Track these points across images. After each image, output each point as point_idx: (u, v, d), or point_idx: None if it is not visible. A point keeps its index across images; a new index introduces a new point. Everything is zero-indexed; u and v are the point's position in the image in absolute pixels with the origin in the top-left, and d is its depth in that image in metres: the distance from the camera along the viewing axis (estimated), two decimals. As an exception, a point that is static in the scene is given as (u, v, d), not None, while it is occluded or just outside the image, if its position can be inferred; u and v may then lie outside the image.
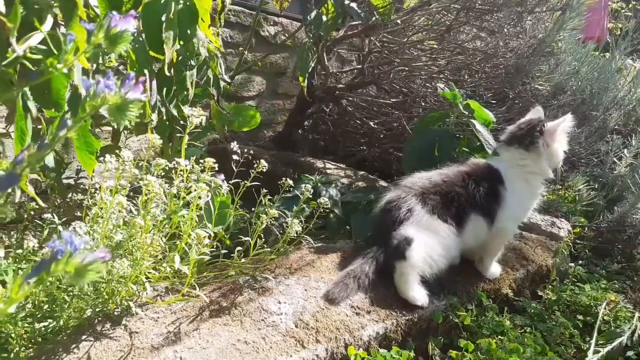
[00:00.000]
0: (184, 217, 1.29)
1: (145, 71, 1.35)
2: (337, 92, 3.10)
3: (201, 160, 1.36)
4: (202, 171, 1.36)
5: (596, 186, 2.89)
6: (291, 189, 1.70)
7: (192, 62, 1.55)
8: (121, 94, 0.67)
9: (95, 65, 1.21)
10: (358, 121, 3.31)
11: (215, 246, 1.67)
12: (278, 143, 3.68)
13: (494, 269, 1.91)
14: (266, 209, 1.48)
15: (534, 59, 2.57)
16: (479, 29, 3.00)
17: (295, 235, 1.58)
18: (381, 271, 1.74)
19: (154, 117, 1.42)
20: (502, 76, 2.90)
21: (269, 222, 1.56)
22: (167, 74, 1.37)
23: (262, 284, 1.55)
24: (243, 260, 1.61)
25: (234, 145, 1.94)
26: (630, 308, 2.11)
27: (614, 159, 2.78)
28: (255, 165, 1.57)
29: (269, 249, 1.56)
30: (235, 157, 1.83)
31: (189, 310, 1.40)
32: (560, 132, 1.82)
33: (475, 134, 2.01)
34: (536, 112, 1.91)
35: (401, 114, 3.02)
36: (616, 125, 2.94)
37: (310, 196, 1.64)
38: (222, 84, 1.92)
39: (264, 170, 1.57)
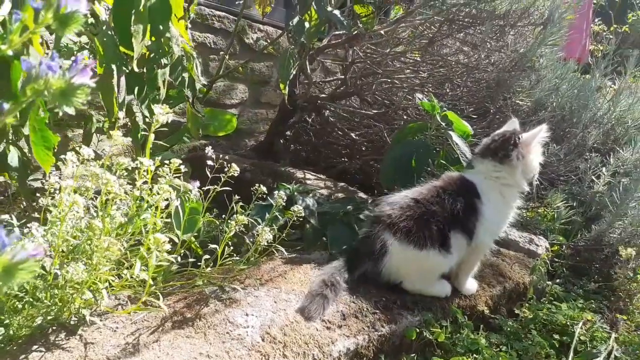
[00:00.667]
0: (146, 221, 1.23)
1: (113, 66, 1.29)
2: (319, 102, 3.07)
3: (167, 162, 1.30)
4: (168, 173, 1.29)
5: (574, 204, 2.88)
6: (265, 196, 1.64)
7: (165, 61, 1.49)
8: (67, 78, 0.61)
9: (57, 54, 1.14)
10: (340, 132, 3.28)
11: (183, 254, 1.61)
12: (259, 152, 3.62)
13: (470, 285, 1.87)
14: (236, 216, 1.42)
15: (515, 73, 2.56)
16: (462, 42, 3.00)
17: (267, 244, 1.52)
18: (355, 285, 1.70)
19: (121, 115, 1.35)
20: (483, 90, 2.90)
21: (238, 230, 1.50)
22: (136, 69, 1.31)
23: (230, 294, 1.48)
24: (211, 269, 1.54)
25: (209, 151, 1.88)
26: (606, 328, 2.08)
27: (592, 177, 2.78)
28: (226, 170, 1.50)
29: (237, 258, 1.50)
30: (209, 162, 1.78)
31: (151, 321, 1.32)
32: (536, 143, 1.78)
33: (452, 147, 1.98)
34: (511, 124, 1.88)
35: (382, 126, 3.00)
36: (595, 143, 2.95)
37: (285, 204, 1.58)
38: (198, 86, 1.86)
39: (236, 175, 1.51)
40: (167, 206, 1.50)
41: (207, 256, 1.47)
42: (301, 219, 2.03)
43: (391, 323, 1.58)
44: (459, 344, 1.67)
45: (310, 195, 2.10)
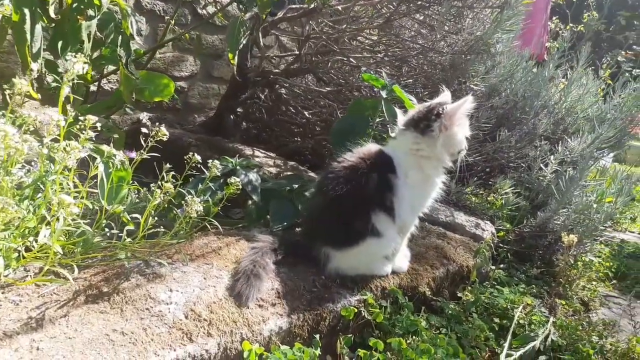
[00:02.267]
0: (55, 182, 1.10)
1: (26, 11, 1.15)
2: (271, 77, 2.95)
3: (81, 118, 1.17)
4: (82, 131, 1.16)
5: (523, 191, 2.91)
6: (203, 168, 1.53)
7: (91, 12, 1.35)
8: None
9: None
10: (293, 110, 3.18)
11: (108, 225, 1.48)
12: (209, 128, 3.47)
13: (401, 263, 1.83)
14: (161, 183, 1.31)
15: (471, 56, 2.53)
16: (420, 23, 2.95)
17: (199, 218, 1.42)
18: (294, 263, 1.62)
19: (35, 67, 1.21)
20: (439, 73, 2.86)
21: (169, 203, 1.39)
22: (53, 15, 1.17)
23: (154, 269, 1.37)
24: (139, 243, 1.42)
25: (144, 117, 1.76)
26: (545, 313, 2.10)
27: (541, 165, 2.80)
28: (153, 133, 1.39)
29: (162, 230, 1.39)
30: (144, 130, 1.65)
31: (61, 295, 1.21)
32: (461, 115, 1.66)
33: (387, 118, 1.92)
34: (444, 96, 1.76)
35: (336, 105, 2.92)
36: (545, 132, 2.97)
37: (224, 178, 1.48)
38: (134, 47, 1.71)
39: (165, 139, 1.39)
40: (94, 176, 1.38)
41: (130, 227, 1.35)
42: (245, 196, 1.95)
43: (328, 302, 1.52)
44: (398, 325, 1.63)
45: (255, 170, 2.00)
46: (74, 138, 1.18)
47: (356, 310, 1.54)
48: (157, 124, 1.73)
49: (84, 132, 1.16)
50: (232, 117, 3.37)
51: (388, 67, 3.10)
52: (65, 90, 1.13)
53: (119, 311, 1.19)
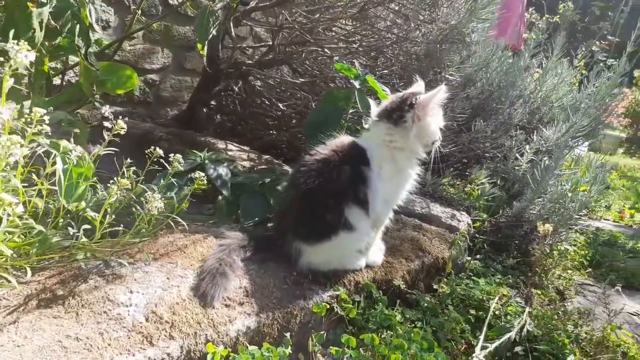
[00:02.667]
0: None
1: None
2: (244, 68, 2.88)
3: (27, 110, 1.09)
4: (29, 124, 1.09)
5: (499, 181, 2.90)
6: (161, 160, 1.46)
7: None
8: None
9: None
10: (267, 102, 3.11)
11: (67, 224, 1.41)
12: (181, 122, 3.39)
13: (375, 257, 1.80)
14: (118, 179, 1.24)
15: (446, 46, 2.50)
16: (395, 13, 2.90)
17: (163, 215, 1.36)
18: (264, 259, 1.58)
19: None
20: (414, 64, 2.82)
21: (124, 198, 1.32)
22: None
23: (114, 270, 1.31)
24: (99, 243, 1.36)
25: (106, 110, 1.68)
26: (521, 303, 2.09)
27: (517, 155, 2.79)
28: (112, 127, 1.32)
29: (120, 229, 1.32)
30: (107, 124, 1.57)
31: (11, 300, 1.14)
32: (434, 105, 1.62)
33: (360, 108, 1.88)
34: (418, 87, 1.73)
35: (311, 97, 2.86)
36: (521, 121, 2.97)
37: (182, 169, 1.42)
38: (94, 37, 1.63)
39: (123, 133, 1.33)
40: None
41: (88, 226, 1.28)
42: (215, 191, 1.89)
43: (300, 299, 1.47)
44: (371, 320, 1.60)
45: (225, 164, 1.94)
46: (21, 133, 1.11)
47: (328, 306, 1.50)
48: (121, 117, 1.65)
49: (30, 126, 1.08)
50: (204, 110, 3.29)
51: (364, 58, 3.06)
52: (9, 82, 1.05)
53: (74, 315, 1.13)
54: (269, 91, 3.14)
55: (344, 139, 1.72)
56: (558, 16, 9.14)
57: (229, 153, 2.69)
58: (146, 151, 1.42)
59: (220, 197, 1.88)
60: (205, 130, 3.21)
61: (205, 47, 2.39)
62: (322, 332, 1.48)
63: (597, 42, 6.55)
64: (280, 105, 3.05)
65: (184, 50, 3.85)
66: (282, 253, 1.59)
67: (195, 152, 1.92)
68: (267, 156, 2.80)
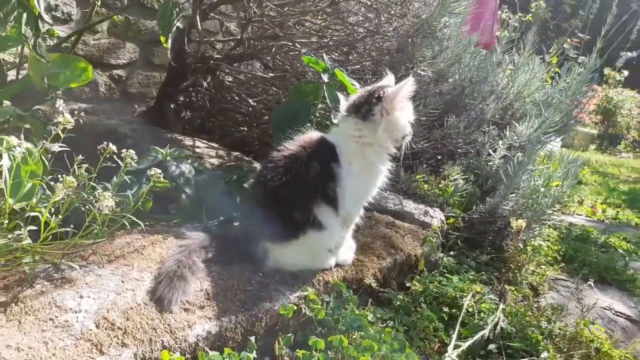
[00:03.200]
0: None
1: None
2: (211, 63, 2.79)
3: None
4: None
5: (472, 177, 2.88)
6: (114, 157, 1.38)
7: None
8: None
9: None
10: (237, 98, 3.03)
11: (16, 226, 1.32)
12: (149, 119, 3.27)
13: (346, 255, 1.74)
14: (64, 177, 1.16)
15: (417, 40, 2.46)
16: (366, 8, 2.85)
17: (114, 214, 1.27)
18: (229, 260, 1.50)
19: None
20: (386, 59, 2.78)
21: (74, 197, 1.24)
22: None
23: (64, 274, 1.23)
24: (49, 245, 1.27)
25: (60, 104, 1.58)
26: (495, 300, 2.06)
27: (490, 150, 2.77)
28: (58, 122, 1.23)
29: (69, 229, 1.24)
30: (60, 119, 1.47)
31: (-55, 308, 1.04)
32: (402, 98, 1.57)
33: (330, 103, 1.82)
34: (387, 80, 1.68)
35: (281, 92, 2.79)
36: (494, 117, 2.95)
37: (135, 165, 1.34)
38: (45, 27, 1.53)
39: (70, 128, 1.24)
40: None
41: (33, 227, 1.19)
42: (179, 189, 1.81)
43: (265, 301, 1.41)
44: (341, 321, 1.54)
45: (189, 161, 1.86)
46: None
47: (296, 307, 1.44)
48: (84, 113, 1.55)
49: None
50: (172, 106, 3.19)
51: (337, 53, 3.01)
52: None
53: (16, 323, 1.04)
54: (238, 86, 3.05)
55: (313, 135, 1.66)
56: (530, 15, 9.25)
57: (197, 150, 2.60)
58: (98, 147, 1.33)
59: (183, 196, 1.80)
60: (174, 127, 3.11)
61: (169, 41, 2.30)
62: (289, 335, 1.42)
63: (568, 40, 6.62)
64: (250, 100, 2.97)
65: (151, 44, 3.73)
66: (248, 253, 1.52)
67: (157, 148, 1.83)
68: (237, 153, 2.72)
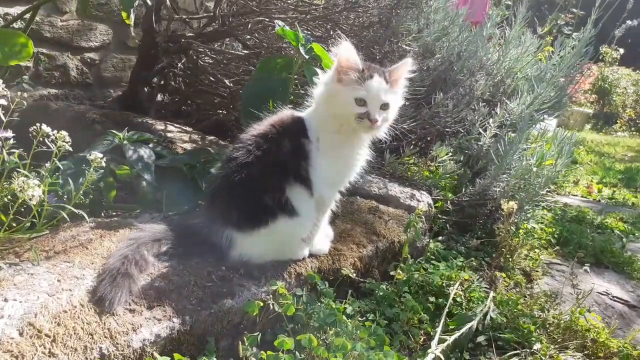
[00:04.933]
0: None
1: None
2: (183, 41, 2.62)
3: None
4: None
5: (462, 158, 2.73)
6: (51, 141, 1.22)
7: None
8: None
9: None
10: (212, 78, 2.86)
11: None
12: (122, 103, 3.11)
13: (320, 245, 1.60)
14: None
15: (400, 11, 2.29)
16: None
17: (38, 204, 1.12)
18: (186, 254, 1.36)
19: None
20: (370, 34, 2.61)
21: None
22: None
23: (-10, 273, 1.08)
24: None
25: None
26: (485, 287, 1.93)
27: (480, 129, 2.62)
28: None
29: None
30: (2, 101, 1.32)
31: None
32: (342, 66, 1.38)
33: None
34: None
35: (258, 71, 2.62)
36: (484, 94, 2.79)
37: (71, 149, 1.18)
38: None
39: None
40: None
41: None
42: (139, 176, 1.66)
43: (227, 297, 1.27)
44: (314, 317, 1.40)
45: (150, 145, 1.71)
46: None
47: (262, 303, 1.30)
48: (46, 98, 1.40)
49: None
50: (146, 89, 3.02)
51: (321, 30, 2.84)
52: None
53: None
54: (214, 67, 2.88)
55: (284, 112, 1.52)
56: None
57: (169, 134, 2.44)
58: (30, 130, 1.17)
59: (144, 183, 1.65)
60: (149, 112, 2.95)
61: (132, 16, 2.14)
62: (256, 334, 1.28)
63: (561, 15, 6.44)
64: (226, 81, 2.80)
65: (126, 26, 3.53)
66: (210, 244, 1.38)
67: (114, 132, 1.67)
68: (212, 137, 2.57)
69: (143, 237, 1.26)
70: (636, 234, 3.18)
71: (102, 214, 1.79)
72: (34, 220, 1.18)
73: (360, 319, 1.53)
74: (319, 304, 1.47)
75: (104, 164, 1.22)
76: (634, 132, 10.86)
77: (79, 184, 1.34)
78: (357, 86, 1.36)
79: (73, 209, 1.17)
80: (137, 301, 1.13)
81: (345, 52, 1.38)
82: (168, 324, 1.11)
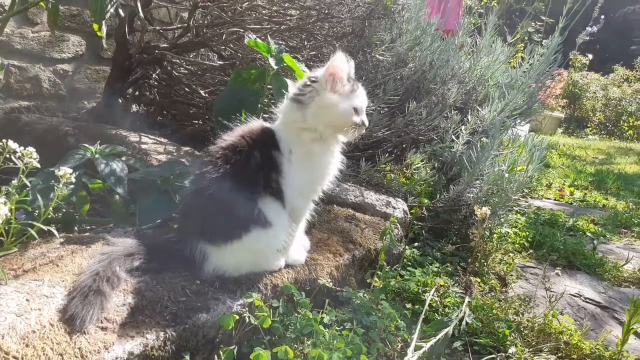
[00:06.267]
0: None
1: None
2: (157, 52, 2.60)
3: None
4: None
5: (436, 165, 2.77)
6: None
7: None
8: None
9: None
10: (187, 89, 2.85)
11: None
12: (97, 115, 3.07)
13: (297, 255, 1.61)
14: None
15: (373, 21, 2.32)
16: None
17: (5, 222, 1.11)
18: (159, 268, 1.35)
19: None
20: (344, 44, 2.64)
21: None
22: None
23: (-46, 295, 1.05)
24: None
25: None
26: (461, 293, 1.96)
27: (453, 136, 2.67)
28: None
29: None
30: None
31: None
32: (337, 79, 1.40)
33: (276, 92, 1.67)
34: (339, 60, 1.53)
35: (233, 81, 2.62)
36: (458, 102, 2.84)
37: (39, 165, 1.17)
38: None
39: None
40: None
41: None
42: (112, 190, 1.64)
43: (202, 312, 1.26)
44: (291, 328, 1.40)
45: (123, 158, 1.69)
46: None
47: (238, 317, 1.30)
48: (17, 110, 1.37)
49: None
50: (120, 101, 2.99)
51: (296, 40, 2.85)
52: None
53: None
54: (189, 77, 2.87)
55: (254, 124, 1.53)
56: (495, 0, 9.23)
57: (143, 146, 2.42)
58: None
59: (117, 197, 1.63)
60: (123, 123, 2.91)
61: (104, 28, 2.13)
62: (232, 347, 1.28)
63: (532, 23, 6.60)
64: (202, 92, 2.79)
65: (99, 37, 3.50)
66: (184, 258, 1.37)
67: (86, 146, 1.65)
68: (188, 148, 2.55)
69: (115, 253, 1.25)
70: (607, 236, 3.27)
71: (76, 228, 1.77)
72: (1, 238, 1.16)
73: (337, 328, 1.54)
74: (296, 314, 1.47)
75: (73, 180, 1.21)
76: (604, 135, 11.16)
77: (49, 199, 1.32)
78: (352, 95, 1.43)
79: (42, 225, 1.15)
80: (110, 318, 1.11)
81: (340, 63, 1.40)
82: (141, 341, 1.10)
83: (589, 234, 3.20)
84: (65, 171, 1.18)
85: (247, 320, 1.33)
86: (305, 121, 1.43)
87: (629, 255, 2.77)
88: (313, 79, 1.43)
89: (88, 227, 1.79)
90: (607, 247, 3.06)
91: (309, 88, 1.42)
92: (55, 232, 1.20)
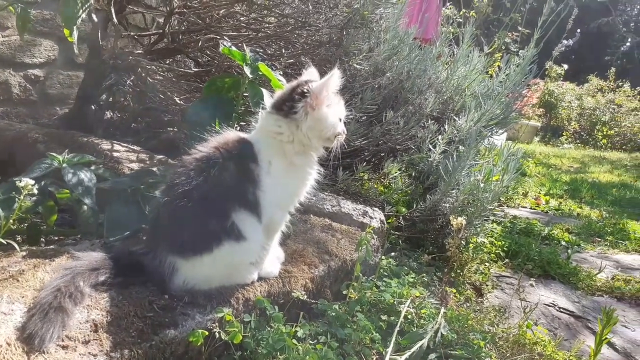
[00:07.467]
0: None
1: None
2: (131, 58, 2.56)
3: None
4: None
5: (414, 174, 2.78)
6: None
7: None
8: None
9: None
10: (162, 96, 2.81)
11: None
12: (68, 122, 3.00)
13: (270, 267, 1.58)
14: None
15: (350, 31, 2.32)
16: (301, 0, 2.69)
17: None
18: (126, 283, 1.31)
19: None
20: (322, 53, 2.63)
21: None
22: None
23: None
24: None
25: None
26: (436, 304, 1.95)
27: (430, 146, 2.67)
28: None
29: None
30: None
31: None
32: (329, 93, 1.42)
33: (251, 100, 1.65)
34: (310, 74, 1.54)
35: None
36: (435, 112, 2.86)
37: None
38: None
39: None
40: None
41: None
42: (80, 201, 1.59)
43: (170, 328, 1.22)
44: (263, 343, 1.37)
45: (92, 167, 1.64)
46: None
47: (207, 332, 1.26)
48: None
49: None
50: (93, 107, 2.92)
51: (274, 47, 2.84)
52: None
53: None
54: (164, 84, 2.83)
55: (229, 134, 1.51)
56: (473, 11, 9.36)
57: (115, 154, 2.37)
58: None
59: (85, 208, 1.58)
60: (95, 130, 2.85)
61: (75, 34, 2.07)
62: (202, 364, 1.24)
63: (509, 34, 6.71)
64: (176, 99, 2.75)
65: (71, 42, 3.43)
66: (152, 272, 1.33)
67: (53, 154, 1.60)
68: (161, 156, 2.50)
69: (79, 267, 1.20)
70: (581, 245, 3.31)
71: (43, 240, 1.71)
72: (-43, 253, 1.11)
73: (311, 342, 1.51)
74: (269, 329, 1.44)
75: (35, 191, 1.16)
76: (579, 144, 11.38)
77: (10, 211, 1.27)
78: (338, 107, 1.48)
79: (1, 239, 1.10)
80: (72, 336, 1.07)
81: (337, 80, 1.44)
82: (105, 359, 1.06)
83: (563, 243, 3.24)
84: (26, 182, 1.14)
85: (218, 335, 1.30)
86: (292, 135, 1.43)
87: (602, 264, 2.80)
88: (302, 92, 1.41)
89: (55, 238, 1.74)
90: (581, 255, 3.10)
91: (301, 103, 1.40)
92: (16, 246, 1.15)
